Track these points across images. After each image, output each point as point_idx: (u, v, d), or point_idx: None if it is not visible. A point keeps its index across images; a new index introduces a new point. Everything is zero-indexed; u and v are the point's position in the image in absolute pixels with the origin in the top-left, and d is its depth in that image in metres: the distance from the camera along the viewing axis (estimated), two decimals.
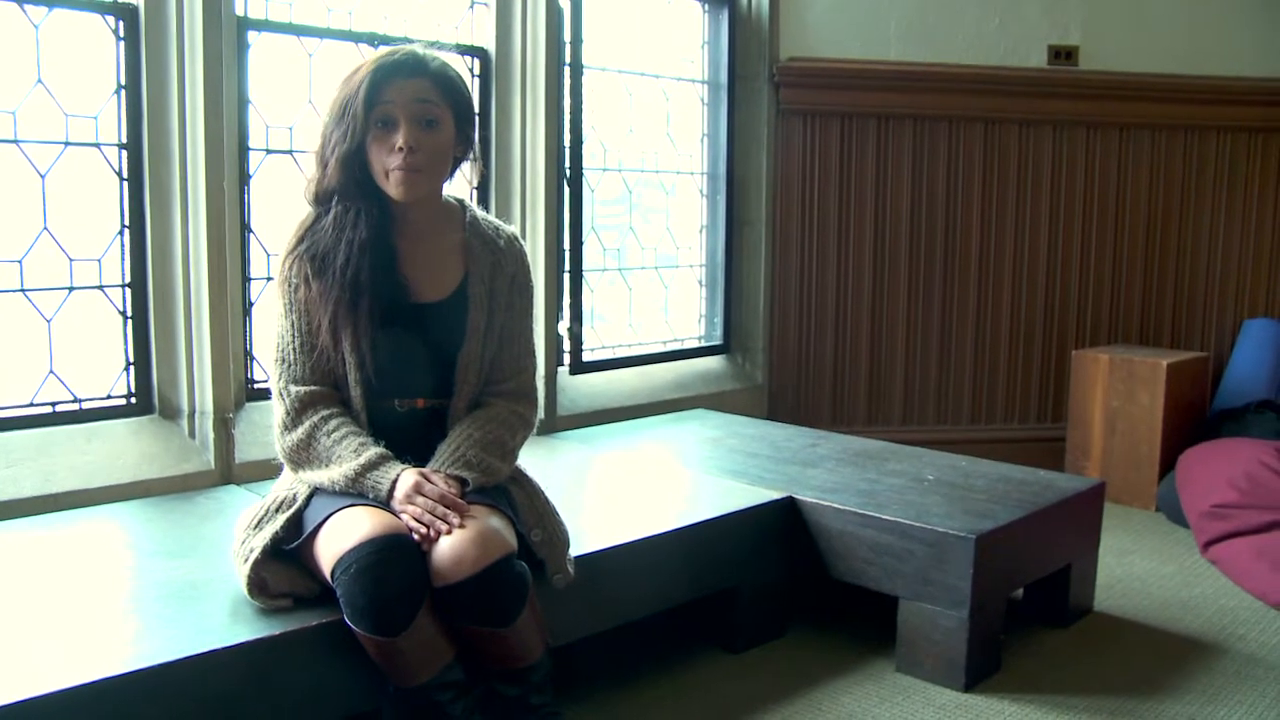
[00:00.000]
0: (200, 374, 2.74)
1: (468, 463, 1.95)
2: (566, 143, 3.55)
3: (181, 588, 1.97)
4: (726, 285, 4.18)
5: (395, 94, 1.93)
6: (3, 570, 2.08)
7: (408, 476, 1.88)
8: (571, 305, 3.64)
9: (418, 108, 1.94)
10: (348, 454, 1.91)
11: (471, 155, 2.10)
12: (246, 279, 2.88)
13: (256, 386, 2.90)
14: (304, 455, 1.94)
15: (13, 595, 1.95)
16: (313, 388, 1.97)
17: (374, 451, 1.91)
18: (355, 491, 1.88)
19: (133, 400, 2.75)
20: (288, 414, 1.97)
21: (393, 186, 1.96)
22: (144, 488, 2.60)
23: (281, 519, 1.91)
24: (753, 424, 3.59)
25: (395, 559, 1.75)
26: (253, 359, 2.91)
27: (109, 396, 2.73)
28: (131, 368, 2.74)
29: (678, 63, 4.05)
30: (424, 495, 1.85)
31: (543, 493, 2.12)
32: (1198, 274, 4.46)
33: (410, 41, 2.02)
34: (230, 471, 2.75)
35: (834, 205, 4.18)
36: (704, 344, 4.22)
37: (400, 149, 1.93)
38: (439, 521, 1.81)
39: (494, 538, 1.83)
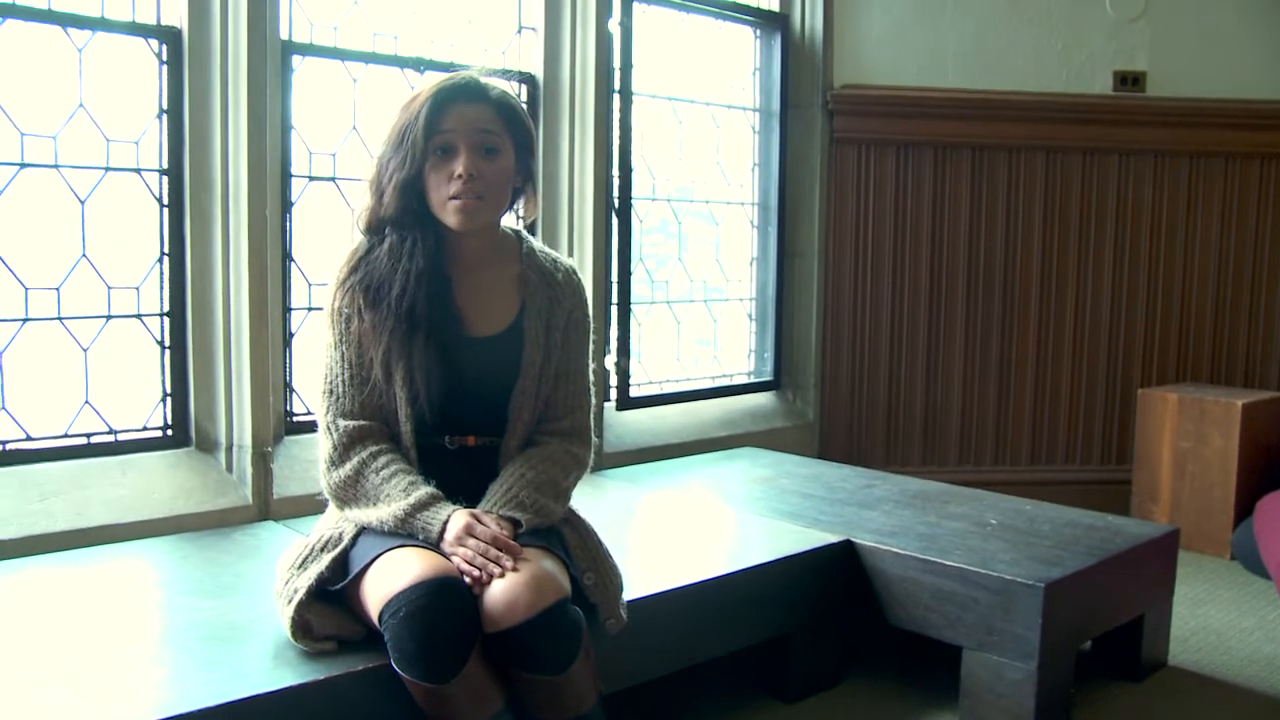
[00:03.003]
0: (239, 406, 2.71)
1: (520, 504, 1.90)
2: (615, 172, 3.50)
3: (219, 629, 1.94)
4: (777, 319, 4.12)
5: (455, 120, 1.90)
6: (33, 608, 2.05)
7: (459, 518, 1.82)
8: (619, 339, 3.59)
9: (479, 135, 1.91)
10: (397, 493, 1.86)
11: (530, 189, 2.05)
12: (287, 309, 2.86)
13: (296, 419, 2.87)
14: (351, 493, 1.90)
15: (42, 634, 1.91)
16: (362, 422, 1.93)
17: (424, 491, 1.86)
18: (404, 532, 1.84)
19: (169, 432, 2.72)
20: (335, 449, 1.92)
21: (451, 216, 1.92)
22: (179, 523, 2.57)
23: (327, 559, 1.87)
24: (805, 463, 3.52)
25: (446, 603, 1.70)
26: (293, 391, 2.87)
27: (145, 428, 2.71)
28: (168, 399, 2.72)
29: (728, 89, 4.00)
30: (475, 537, 1.80)
31: (595, 534, 2.07)
32: (1274, 309, 4.31)
33: (459, 68, 1.98)
34: (268, 507, 2.72)
35: (889, 237, 4.10)
36: (754, 380, 4.15)
37: (460, 176, 1.89)
38: (491, 564, 1.76)
39: (549, 581, 1.77)
